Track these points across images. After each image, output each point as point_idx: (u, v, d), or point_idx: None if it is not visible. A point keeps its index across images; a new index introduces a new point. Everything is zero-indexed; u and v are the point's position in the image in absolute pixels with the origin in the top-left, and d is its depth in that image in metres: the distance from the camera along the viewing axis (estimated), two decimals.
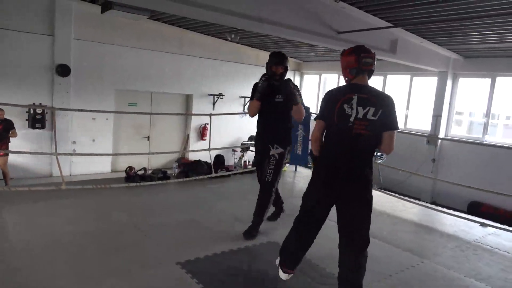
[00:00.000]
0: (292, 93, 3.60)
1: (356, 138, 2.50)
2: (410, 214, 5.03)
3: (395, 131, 2.57)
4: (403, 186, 9.23)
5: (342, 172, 2.55)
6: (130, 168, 5.55)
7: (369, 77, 2.65)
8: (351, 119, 2.48)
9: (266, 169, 3.72)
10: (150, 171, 5.75)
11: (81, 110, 6.03)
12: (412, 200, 5.65)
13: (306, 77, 12.71)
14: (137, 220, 4.07)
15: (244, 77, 11.24)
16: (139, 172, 5.53)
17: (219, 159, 6.42)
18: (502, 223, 4.77)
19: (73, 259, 3.14)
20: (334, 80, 11.95)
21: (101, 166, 8.76)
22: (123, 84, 8.97)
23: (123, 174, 5.60)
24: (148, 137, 9.82)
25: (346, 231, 2.70)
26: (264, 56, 11.54)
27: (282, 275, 2.94)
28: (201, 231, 3.90)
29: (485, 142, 8.68)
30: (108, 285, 2.78)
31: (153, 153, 8.23)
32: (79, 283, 2.80)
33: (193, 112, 10.19)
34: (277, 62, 3.69)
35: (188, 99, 10.42)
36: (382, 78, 10.60)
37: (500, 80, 8.75)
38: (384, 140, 2.57)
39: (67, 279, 2.84)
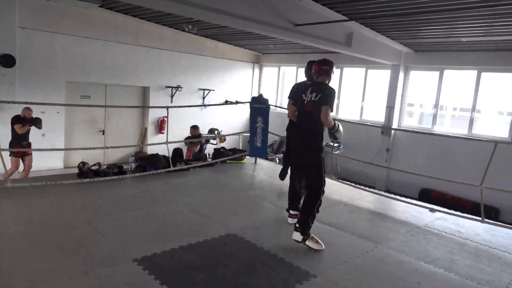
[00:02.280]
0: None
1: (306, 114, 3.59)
2: (366, 202, 5.21)
3: (328, 107, 3.46)
4: (359, 175, 9.57)
5: None
6: (83, 163, 5.30)
7: (325, 77, 3.67)
8: (305, 102, 3.61)
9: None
10: (104, 166, 5.52)
11: (28, 103, 5.65)
12: (367, 188, 5.85)
13: (265, 69, 12.75)
14: (90, 217, 3.90)
15: (203, 69, 11.09)
16: (93, 168, 5.30)
17: (177, 152, 6.28)
18: (449, 208, 5.07)
19: (22, 259, 2.96)
20: (293, 72, 12.08)
21: (53, 162, 8.32)
22: (74, 76, 8.54)
23: (77, 170, 5.34)
24: (103, 131, 9.44)
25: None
26: (223, 47, 11.47)
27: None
28: (159, 226, 3.81)
29: (434, 132, 9.17)
30: (61, 286, 2.65)
31: (107, 147, 7.91)
32: (30, 284, 2.64)
33: (150, 105, 9.91)
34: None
35: (145, 91, 10.12)
36: (338, 70, 10.84)
37: (448, 73, 9.25)
38: (321, 112, 3.46)
39: (17, 280, 2.67)
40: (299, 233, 3.50)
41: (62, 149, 8.07)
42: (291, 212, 4.12)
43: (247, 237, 3.66)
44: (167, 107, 5.83)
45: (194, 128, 8.37)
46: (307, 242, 3.49)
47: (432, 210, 4.85)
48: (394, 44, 8.94)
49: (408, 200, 5.35)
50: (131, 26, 9.23)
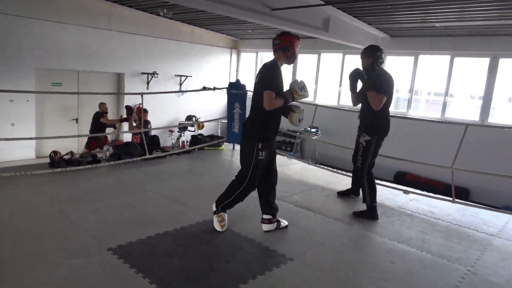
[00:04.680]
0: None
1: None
2: (342, 186, 5.28)
3: (265, 91, 3.17)
4: (337, 160, 9.68)
5: None
6: (55, 152, 5.15)
7: (280, 53, 3.34)
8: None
9: (357, 156, 4.15)
10: (77, 155, 5.38)
11: None
12: (344, 172, 5.93)
13: (243, 54, 12.62)
14: (63, 208, 3.80)
15: (179, 55, 10.87)
16: (65, 157, 5.15)
17: (154, 139, 6.18)
18: (424, 190, 5.22)
19: None
20: (271, 58, 11.99)
21: (24, 153, 8.03)
22: (44, 62, 8.20)
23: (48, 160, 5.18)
24: (77, 120, 9.17)
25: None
26: (200, 33, 11.25)
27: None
28: (134, 215, 3.75)
29: (408, 116, 9.35)
30: (33, 278, 2.58)
31: (81, 136, 7.69)
32: (0, 277, 2.56)
33: (125, 92, 9.67)
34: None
35: (119, 78, 9.85)
36: (316, 56, 10.86)
37: (422, 58, 9.39)
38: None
39: None
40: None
41: (32, 138, 7.78)
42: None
43: None
44: (142, 94, 5.69)
45: (144, 111, 7.81)
46: (214, 216, 3.49)
47: (406, 192, 4.98)
48: (371, 29, 8.99)
49: (383, 182, 5.45)
50: (103, 10, 8.91)
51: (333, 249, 3.34)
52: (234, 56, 12.52)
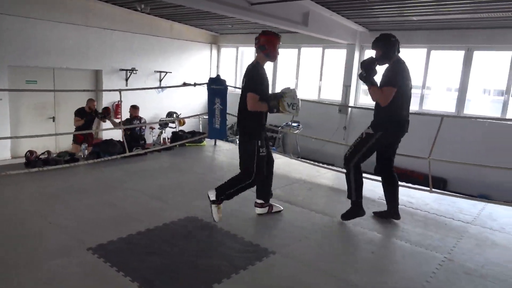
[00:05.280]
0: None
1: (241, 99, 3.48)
2: (324, 179, 5.34)
3: (248, 93, 3.32)
4: (318, 154, 9.78)
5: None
6: (31, 152, 5.01)
7: (259, 52, 3.43)
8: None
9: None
10: (54, 155, 5.25)
11: None
12: (325, 166, 5.99)
13: (223, 50, 12.54)
14: (41, 208, 3.71)
15: (158, 50, 10.72)
16: (42, 156, 5.02)
17: (134, 137, 6.10)
18: (403, 181, 5.31)
19: None
20: (251, 53, 11.97)
21: None
22: (17, 60, 7.95)
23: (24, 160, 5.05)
24: (54, 118, 8.95)
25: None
26: (179, 28, 11.11)
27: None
28: (115, 213, 3.70)
29: None
30: (12, 279, 2.51)
31: (58, 134, 7.51)
32: None
33: (103, 89, 9.48)
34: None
35: (97, 75, 9.65)
36: (296, 50, 10.89)
37: (401, 51, 9.53)
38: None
39: None
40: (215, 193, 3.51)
41: (6, 138, 7.55)
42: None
43: (206, 219, 3.65)
44: (120, 90, 5.59)
45: (134, 107, 7.71)
46: (213, 206, 3.49)
47: None
48: (350, 23, 9.07)
49: (364, 174, 5.53)
50: (79, 5, 8.69)
51: (315, 242, 3.38)
52: (214, 52, 12.44)
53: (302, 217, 3.88)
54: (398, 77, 3.44)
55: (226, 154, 6.48)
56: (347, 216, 3.69)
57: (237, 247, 3.17)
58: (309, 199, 4.41)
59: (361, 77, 3.56)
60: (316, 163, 6.08)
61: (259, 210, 3.79)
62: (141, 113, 7.89)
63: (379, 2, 7.43)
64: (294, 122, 9.80)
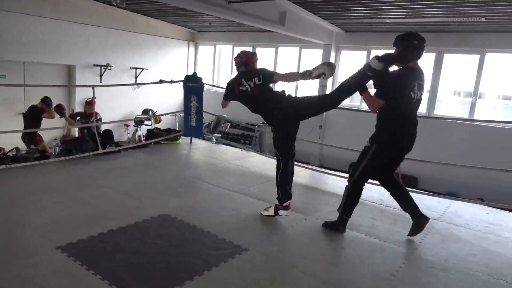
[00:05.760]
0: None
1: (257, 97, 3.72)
2: (299, 177, 5.39)
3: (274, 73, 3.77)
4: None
5: None
6: None
7: (248, 67, 3.87)
8: (249, 90, 3.72)
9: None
10: (24, 152, 5.10)
11: None
12: (300, 164, 6.06)
13: (201, 47, 12.47)
14: (8, 207, 3.60)
15: (134, 46, 10.56)
16: (10, 153, 4.87)
17: (107, 134, 5.99)
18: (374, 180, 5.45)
19: None
20: (229, 51, 11.97)
21: None
22: None
23: None
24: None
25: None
26: (156, 24, 10.97)
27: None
28: (86, 211, 3.63)
29: (362, 108, 9.71)
30: None
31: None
32: None
33: (78, 84, 9.25)
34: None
35: (70, 70, 9.40)
36: (273, 49, 10.96)
37: (374, 52, 9.74)
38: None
39: None
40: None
41: None
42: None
43: (180, 217, 3.64)
44: (93, 86, 5.48)
45: (89, 104, 7.21)
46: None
47: None
48: (326, 24, 9.20)
49: (337, 173, 5.65)
50: None
51: (287, 238, 3.43)
52: (192, 49, 12.35)
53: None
54: (395, 88, 3.13)
55: (202, 152, 6.46)
56: (327, 225, 3.62)
57: (211, 245, 3.18)
58: None
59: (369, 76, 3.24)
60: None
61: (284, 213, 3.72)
62: (116, 110, 7.79)
63: (354, 4, 7.58)
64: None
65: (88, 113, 6.94)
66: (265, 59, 11.30)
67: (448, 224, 3.98)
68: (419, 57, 3.19)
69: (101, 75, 9.74)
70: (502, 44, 8.07)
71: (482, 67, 8.35)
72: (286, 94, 3.76)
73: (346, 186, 3.47)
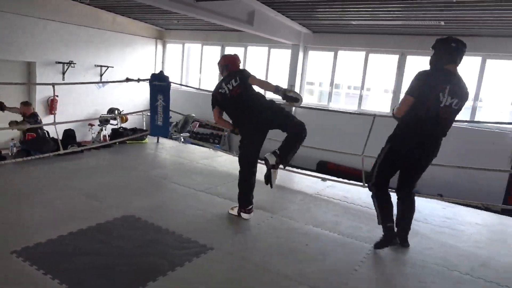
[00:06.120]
0: None
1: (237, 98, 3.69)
2: None
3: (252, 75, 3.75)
4: (262, 152, 9.93)
5: None
6: None
7: (228, 70, 3.83)
8: (227, 92, 3.71)
9: None
10: None
11: None
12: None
13: (169, 46, 12.29)
14: None
15: (99, 43, 10.25)
16: None
17: (69, 134, 5.78)
18: (343, 177, 5.59)
19: None
20: (197, 49, 11.86)
21: None
22: None
23: None
24: None
25: None
26: (122, 21, 10.70)
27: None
28: (46, 215, 3.50)
29: (330, 108, 9.91)
30: None
31: None
32: None
33: (37, 82, 8.87)
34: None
35: (30, 67, 9.00)
36: (243, 49, 10.97)
37: (341, 53, 9.98)
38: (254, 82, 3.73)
39: None
40: (277, 159, 3.42)
41: None
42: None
43: (144, 217, 3.58)
44: (53, 84, 5.28)
45: (25, 104, 6.13)
46: (273, 170, 3.46)
47: (323, 179, 5.30)
48: (294, 24, 9.31)
49: (304, 171, 5.73)
50: None
51: (252, 236, 3.45)
52: (160, 47, 12.15)
53: None
54: (419, 85, 2.94)
55: (169, 151, 6.38)
56: (379, 244, 3.29)
57: (175, 244, 3.15)
58: None
59: None
60: (260, 161, 6.16)
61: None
62: (80, 109, 7.53)
63: (321, 5, 7.71)
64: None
65: (28, 114, 6.13)
66: None
67: None
68: (454, 62, 2.96)
69: (63, 73, 9.39)
70: None
71: None
72: (282, 89, 3.62)
73: (371, 196, 3.31)
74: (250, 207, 3.77)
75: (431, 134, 3.05)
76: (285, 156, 3.45)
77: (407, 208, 3.33)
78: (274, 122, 3.63)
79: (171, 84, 6.37)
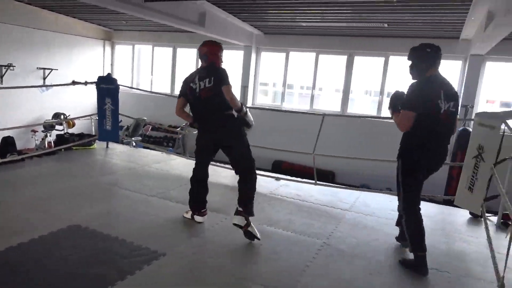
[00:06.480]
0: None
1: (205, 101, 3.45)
2: (221, 178, 5.42)
3: (228, 85, 3.42)
4: (218, 154, 9.89)
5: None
6: None
7: (207, 61, 3.55)
8: (197, 90, 3.46)
9: None
10: None
11: None
12: (221, 165, 6.08)
13: (118, 47, 11.89)
14: None
15: (41, 45, 9.71)
16: None
17: (8, 141, 5.40)
18: (298, 176, 5.70)
19: None
20: (148, 51, 11.58)
21: None
22: None
23: None
24: None
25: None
26: (66, 21, 10.19)
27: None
28: None
29: (283, 108, 10.07)
30: None
31: None
32: None
33: None
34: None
35: None
36: (195, 50, 10.85)
37: (293, 54, 10.19)
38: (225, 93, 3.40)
39: None
40: (243, 218, 3.30)
41: None
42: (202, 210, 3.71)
43: (92, 226, 3.43)
44: None
45: None
46: (249, 228, 3.29)
47: (277, 178, 5.37)
48: (246, 26, 9.36)
49: (258, 172, 5.76)
50: None
51: (207, 239, 3.42)
52: (108, 49, 11.72)
53: None
54: (419, 98, 2.91)
55: (119, 156, 6.16)
56: (405, 264, 3.12)
57: (125, 253, 3.05)
58: None
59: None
60: (214, 163, 6.13)
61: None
62: (21, 115, 7.07)
63: (272, 7, 7.82)
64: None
65: None
66: (187, 60, 11.16)
67: (357, 213, 4.30)
68: (435, 66, 3.02)
69: (1, 76, 8.77)
70: (404, 48, 8.91)
71: (387, 69, 9.17)
72: (245, 111, 3.51)
73: (400, 216, 3.18)
74: (204, 210, 3.73)
75: (444, 141, 3.09)
76: (248, 207, 3.38)
77: (414, 224, 3.12)
78: (224, 143, 3.52)
79: (120, 86, 6.17)
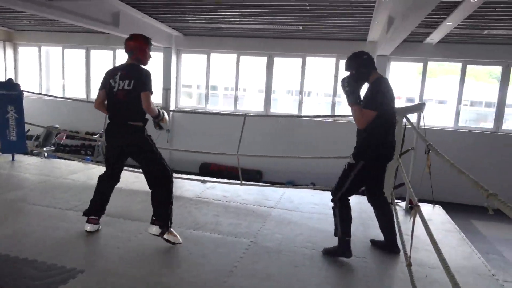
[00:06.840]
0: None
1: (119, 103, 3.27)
2: (142, 184, 5.17)
3: (148, 92, 3.24)
4: None
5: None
6: None
7: (133, 57, 3.32)
8: (115, 89, 3.26)
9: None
10: None
11: None
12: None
13: (21, 49, 10.81)
14: None
15: None
16: None
17: None
18: (225, 178, 5.69)
19: None
20: (58, 53, 10.70)
21: None
22: None
23: None
24: None
25: None
26: None
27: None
28: None
29: (207, 110, 10.03)
30: None
31: None
32: None
33: None
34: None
35: None
36: (111, 52, 10.34)
37: (214, 56, 10.19)
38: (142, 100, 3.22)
39: None
40: (157, 227, 3.25)
41: None
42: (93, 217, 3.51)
43: None
44: None
45: None
46: (166, 236, 3.25)
47: (203, 181, 5.33)
48: (164, 27, 9.14)
49: (183, 176, 5.68)
50: None
51: (128, 251, 3.26)
52: (10, 51, 10.58)
53: (115, 227, 3.68)
54: (379, 98, 3.09)
55: (28, 169, 5.60)
56: (329, 252, 3.29)
57: (37, 275, 2.78)
58: (124, 207, 4.21)
59: (344, 91, 3.16)
60: (131, 169, 5.87)
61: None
62: None
63: (189, 8, 7.74)
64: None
65: None
66: (102, 62, 10.54)
67: (282, 210, 4.44)
68: (375, 69, 3.21)
69: None
70: (318, 49, 9.47)
71: (304, 69, 9.63)
72: (161, 117, 3.44)
73: (333, 207, 3.28)
74: (97, 217, 3.49)
75: (393, 135, 3.33)
76: (162, 215, 3.30)
77: (386, 214, 3.41)
78: (128, 150, 3.40)
79: (25, 93, 5.62)
